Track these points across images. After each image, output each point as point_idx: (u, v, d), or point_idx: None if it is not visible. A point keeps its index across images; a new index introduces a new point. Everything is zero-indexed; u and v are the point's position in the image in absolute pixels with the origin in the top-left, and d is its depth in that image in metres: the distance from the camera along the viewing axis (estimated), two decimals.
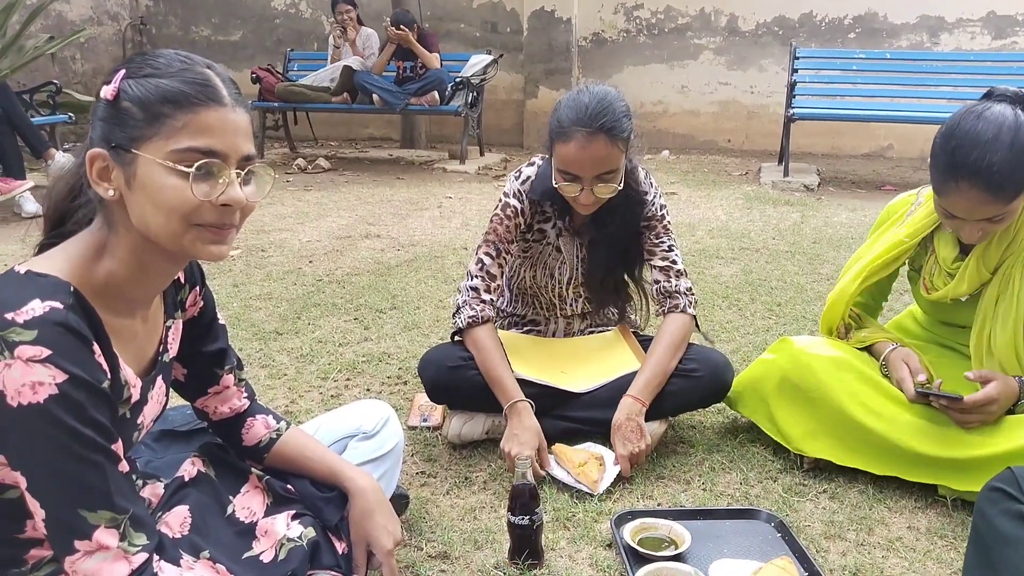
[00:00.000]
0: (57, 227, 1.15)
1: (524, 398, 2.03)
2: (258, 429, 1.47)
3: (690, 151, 7.46)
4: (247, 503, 1.39)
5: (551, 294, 2.27)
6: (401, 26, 6.37)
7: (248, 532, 1.34)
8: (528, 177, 2.15)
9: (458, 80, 6.55)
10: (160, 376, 1.27)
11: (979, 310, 1.88)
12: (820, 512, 1.87)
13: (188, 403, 1.49)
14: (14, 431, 0.99)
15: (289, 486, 1.44)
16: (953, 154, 1.68)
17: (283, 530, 1.32)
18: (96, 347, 1.04)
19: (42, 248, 1.16)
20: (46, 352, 0.97)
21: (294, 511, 1.38)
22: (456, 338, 2.17)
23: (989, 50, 6.98)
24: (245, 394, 1.48)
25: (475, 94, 6.70)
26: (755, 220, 4.76)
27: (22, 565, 1.11)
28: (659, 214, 2.19)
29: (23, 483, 1.01)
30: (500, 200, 2.17)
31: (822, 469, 2.01)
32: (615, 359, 2.20)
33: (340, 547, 1.40)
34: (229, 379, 1.43)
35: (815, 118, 6.14)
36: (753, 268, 3.80)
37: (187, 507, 1.32)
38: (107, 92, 1.06)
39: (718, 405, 2.35)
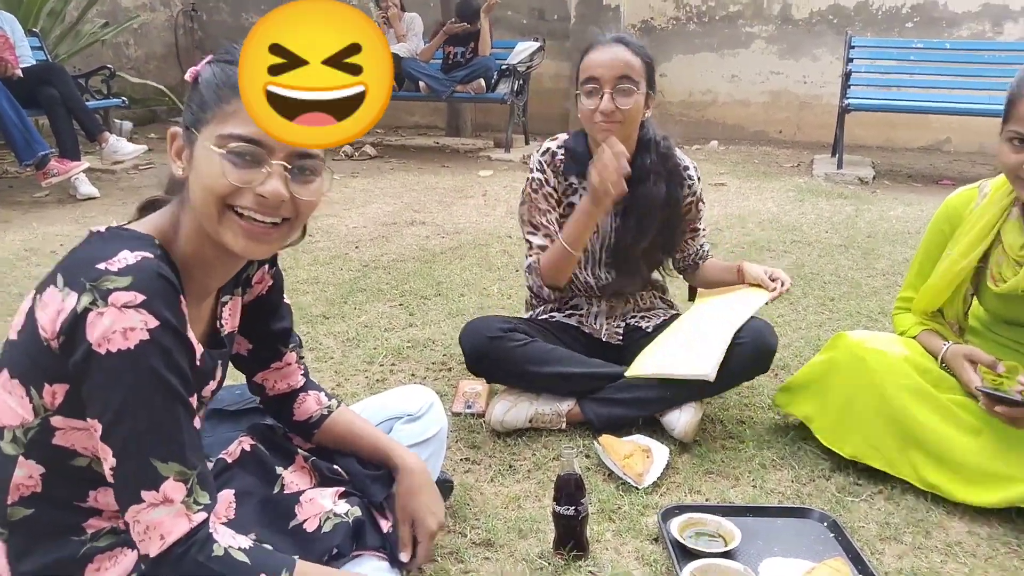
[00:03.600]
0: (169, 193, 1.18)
1: None
2: (309, 405, 1.48)
3: (739, 142, 7.32)
4: (295, 478, 1.40)
5: (585, 270, 2.25)
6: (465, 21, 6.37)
7: (293, 501, 1.34)
8: (549, 148, 2.22)
9: (504, 67, 6.51)
10: (220, 352, 1.28)
11: None
12: (875, 513, 1.81)
13: (236, 382, 1.49)
14: (97, 377, 1.00)
15: (336, 467, 1.44)
16: None
17: (329, 504, 1.32)
18: (182, 298, 1.06)
19: (141, 211, 1.19)
20: (141, 297, 0.99)
21: (341, 490, 1.38)
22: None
23: None
24: (302, 371, 1.49)
25: (521, 82, 6.65)
26: (807, 213, 4.65)
27: (81, 534, 1.13)
28: (700, 194, 2.28)
29: (98, 431, 1.02)
30: (526, 180, 2.24)
31: (877, 470, 1.95)
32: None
33: (385, 525, 1.40)
34: (291, 356, 1.46)
35: (871, 109, 5.97)
36: (805, 262, 3.71)
37: (232, 491, 1.33)
38: (189, 74, 1.11)
39: (769, 401, 2.30)
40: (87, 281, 0.99)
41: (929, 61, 6.23)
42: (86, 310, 0.98)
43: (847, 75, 5.99)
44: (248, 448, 1.41)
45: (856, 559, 1.60)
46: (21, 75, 4.89)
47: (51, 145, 4.91)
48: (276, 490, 1.38)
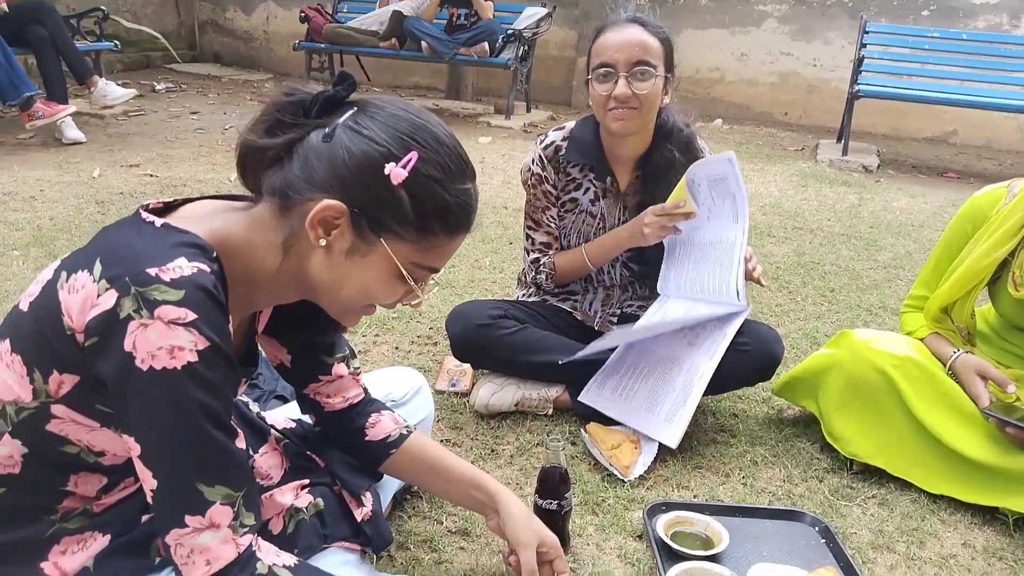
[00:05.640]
0: (242, 173, 1.08)
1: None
2: (386, 424, 1.38)
3: (744, 122, 7.20)
4: (265, 464, 1.31)
5: None
6: None
7: (259, 494, 1.25)
8: (553, 142, 2.07)
9: (510, 32, 6.34)
10: (248, 370, 1.22)
11: None
12: (868, 519, 1.75)
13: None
14: (139, 395, 0.91)
15: (308, 452, 1.36)
16: None
17: (289, 500, 1.23)
18: (230, 320, 0.98)
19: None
20: (192, 316, 0.90)
21: (307, 480, 1.29)
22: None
23: None
24: (361, 386, 1.39)
25: (526, 48, 6.48)
26: (810, 199, 4.55)
27: (53, 514, 1.06)
28: None
29: (136, 450, 0.94)
30: (524, 170, 2.10)
31: (872, 472, 1.88)
32: None
33: (359, 513, 1.31)
34: (342, 368, 1.34)
35: (881, 96, 5.84)
36: (806, 250, 3.62)
37: None
38: (396, 175, 0.98)
39: (764, 395, 2.23)
40: (133, 284, 0.89)
41: (943, 51, 6.08)
42: (128, 317, 0.89)
43: (859, 60, 5.85)
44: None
45: (847, 568, 1.54)
46: (7, 10, 4.70)
47: (38, 86, 4.76)
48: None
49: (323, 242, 1.00)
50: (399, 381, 1.60)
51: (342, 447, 1.37)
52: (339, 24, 6.76)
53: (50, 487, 1.04)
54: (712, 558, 1.53)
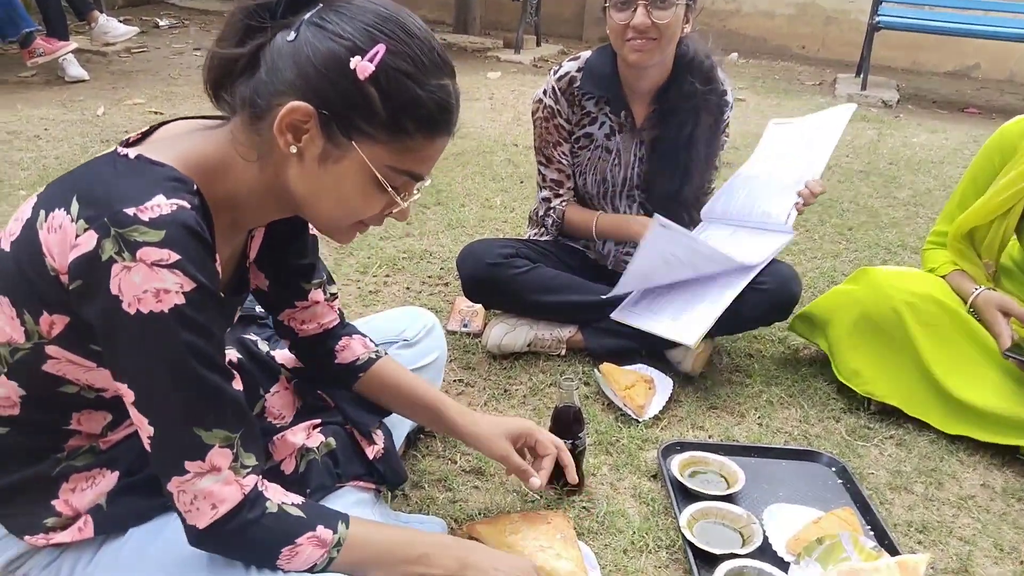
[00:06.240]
0: (214, 90, 1.01)
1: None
2: (355, 348, 1.35)
3: (761, 55, 7.00)
4: (277, 403, 1.30)
5: (604, 202, 2.10)
6: None
7: (271, 434, 1.24)
8: (567, 72, 1.99)
9: None
10: (238, 299, 1.19)
11: None
12: (886, 460, 1.73)
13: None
14: (127, 340, 0.89)
15: (319, 392, 1.34)
16: None
17: (301, 440, 1.22)
18: (217, 256, 0.94)
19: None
20: (175, 257, 0.87)
21: (319, 420, 1.28)
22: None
23: None
24: (336, 311, 1.35)
25: None
26: None
27: (59, 452, 1.05)
28: (728, 121, 2.06)
29: (129, 397, 0.92)
30: (535, 101, 2.02)
31: (889, 413, 1.86)
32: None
33: (372, 451, 1.31)
34: (318, 294, 1.31)
35: (902, 28, 5.65)
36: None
37: None
38: (362, 69, 0.91)
39: (779, 335, 2.20)
40: (112, 225, 0.86)
41: None
42: (111, 260, 0.86)
43: None
44: (235, 362, 1.30)
45: (864, 509, 1.52)
46: None
47: (37, 23, 4.65)
48: (256, 412, 1.28)
49: (294, 149, 0.95)
50: (411, 321, 1.58)
51: (315, 371, 1.35)
52: None
53: (53, 426, 1.03)
54: (728, 498, 1.52)
